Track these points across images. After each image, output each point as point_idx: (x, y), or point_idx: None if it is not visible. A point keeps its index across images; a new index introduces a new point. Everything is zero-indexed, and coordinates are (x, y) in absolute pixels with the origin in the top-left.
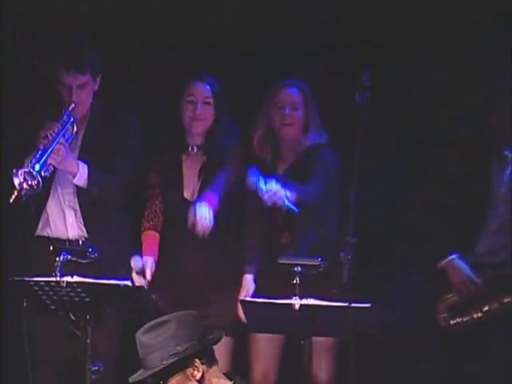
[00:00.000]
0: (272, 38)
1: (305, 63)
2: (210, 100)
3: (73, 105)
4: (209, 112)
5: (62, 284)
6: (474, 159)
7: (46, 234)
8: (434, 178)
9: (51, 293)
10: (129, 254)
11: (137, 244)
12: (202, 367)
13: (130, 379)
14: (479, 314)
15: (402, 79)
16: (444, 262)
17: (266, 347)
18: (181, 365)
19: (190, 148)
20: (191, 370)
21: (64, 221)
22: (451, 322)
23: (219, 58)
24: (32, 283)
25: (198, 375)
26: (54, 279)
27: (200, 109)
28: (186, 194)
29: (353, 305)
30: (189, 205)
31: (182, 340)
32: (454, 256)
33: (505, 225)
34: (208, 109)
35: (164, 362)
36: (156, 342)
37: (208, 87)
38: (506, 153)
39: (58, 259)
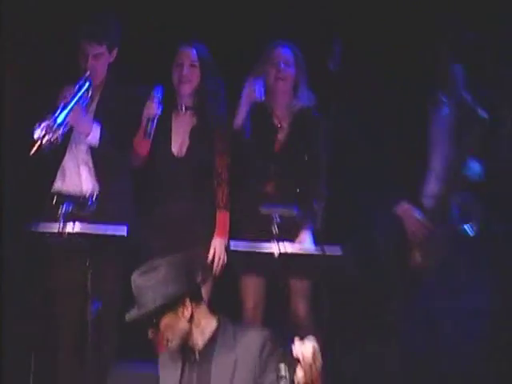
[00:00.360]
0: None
1: (283, 32)
2: (196, 63)
3: (88, 72)
4: (195, 74)
5: (63, 235)
6: (413, 105)
7: (64, 188)
8: (382, 126)
9: (54, 242)
10: (129, 210)
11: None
12: (191, 307)
13: (126, 317)
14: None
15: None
16: (396, 207)
17: (254, 286)
18: (172, 305)
19: (179, 107)
20: (182, 309)
21: (79, 176)
22: (419, 261)
23: (209, 25)
24: (36, 233)
25: (188, 314)
26: (55, 230)
27: (186, 70)
28: (174, 150)
29: (326, 253)
30: (176, 160)
31: (173, 282)
32: (404, 201)
33: (449, 167)
34: (194, 71)
35: (157, 303)
36: (149, 284)
37: (194, 51)
38: (442, 98)
39: (60, 210)
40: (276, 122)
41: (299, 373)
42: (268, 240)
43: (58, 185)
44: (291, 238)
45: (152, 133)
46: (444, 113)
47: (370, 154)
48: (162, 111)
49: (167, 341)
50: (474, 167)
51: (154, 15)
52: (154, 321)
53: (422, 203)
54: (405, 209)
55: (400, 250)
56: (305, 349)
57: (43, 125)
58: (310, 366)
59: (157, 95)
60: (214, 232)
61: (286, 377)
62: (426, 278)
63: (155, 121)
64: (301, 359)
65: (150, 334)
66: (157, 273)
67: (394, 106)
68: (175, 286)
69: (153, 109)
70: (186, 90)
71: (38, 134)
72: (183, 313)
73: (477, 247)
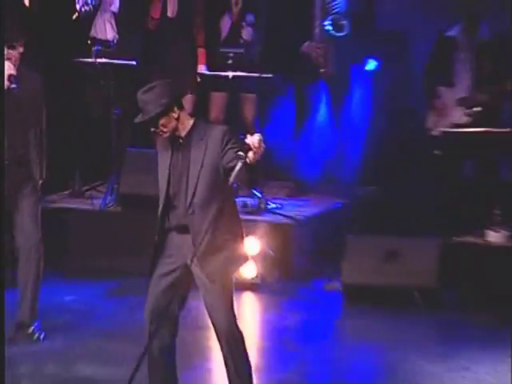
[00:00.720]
0: None
1: None
2: None
3: None
4: None
5: (96, 64)
6: None
7: (95, 35)
8: None
9: (91, 69)
10: (138, 52)
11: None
12: (178, 111)
13: (135, 120)
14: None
15: None
16: (302, 47)
17: (217, 99)
18: (166, 110)
19: None
20: (172, 113)
21: (105, 28)
22: (325, 71)
23: None
24: (80, 63)
25: (176, 115)
26: (92, 60)
27: None
28: (168, 13)
29: (263, 75)
30: (169, 19)
31: (166, 96)
32: (306, 41)
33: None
34: None
35: (156, 110)
36: (150, 98)
37: None
38: None
39: (93, 48)
40: None
41: (250, 154)
42: (225, 70)
43: (92, 33)
44: (240, 68)
45: None
46: None
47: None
48: None
49: (162, 132)
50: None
51: None
52: (154, 122)
53: (316, 36)
54: (306, 45)
55: (309, 67)
56: (253, 138)
57: (81, 1)
58: (257, 148)
59: None
60: (196, 63)
61: (243, 157)
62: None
63: None
64: (251, 145)
65: (151, 130)
66: (154, 90)
67: None
68: (167, 98)
69: None
70: None
71: (77, 6)
72: (173, 115)
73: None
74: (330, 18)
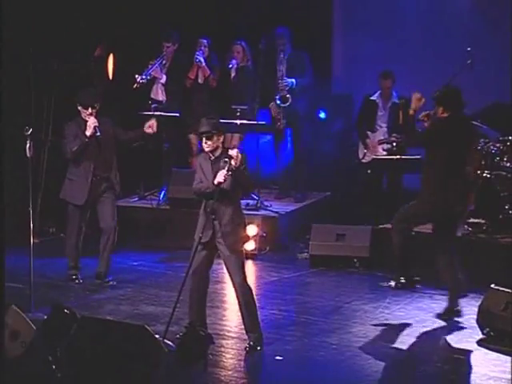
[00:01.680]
0: None
1: None
2: None
3: (164, 53)
4: None
5: (154, 115)
6: None
7: (153, 97)
8: None
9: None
10: (179, 106)
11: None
12: (220, 139)
13: (201, 130)
14: None
15: None
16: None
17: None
18: (218, 131)
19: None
20: (219, 136)
21: (158, 93)
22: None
23: None
24: (145, 115)
25: (221, 140)
26: (151, 113)
27: None
28: (199, 79)
29: (258, 123)
30: (199, 84)
31: (217, 123)
32: None
33: None
34: None
35: (213, 129)
36: (207, 122)
37: None
38: None
39: (152, 106)
40: None
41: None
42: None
43: (151, 96)
44: (244, 118)
45: (200, 60)
46: None
47: None
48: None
49: (207, 146)
50: None
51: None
52: (210, 135)
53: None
54: (270, 105)
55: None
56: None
57: (139, 77)
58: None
59: (202, 43)
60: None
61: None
62: None
63: (201, 55)
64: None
65: (205, 142)
66: (210, 119)
67: None
68: (218, 124)
69: (200, 49)
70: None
71: (138, 78)
72: (219, 138)
73: None
74: (279, 95)
